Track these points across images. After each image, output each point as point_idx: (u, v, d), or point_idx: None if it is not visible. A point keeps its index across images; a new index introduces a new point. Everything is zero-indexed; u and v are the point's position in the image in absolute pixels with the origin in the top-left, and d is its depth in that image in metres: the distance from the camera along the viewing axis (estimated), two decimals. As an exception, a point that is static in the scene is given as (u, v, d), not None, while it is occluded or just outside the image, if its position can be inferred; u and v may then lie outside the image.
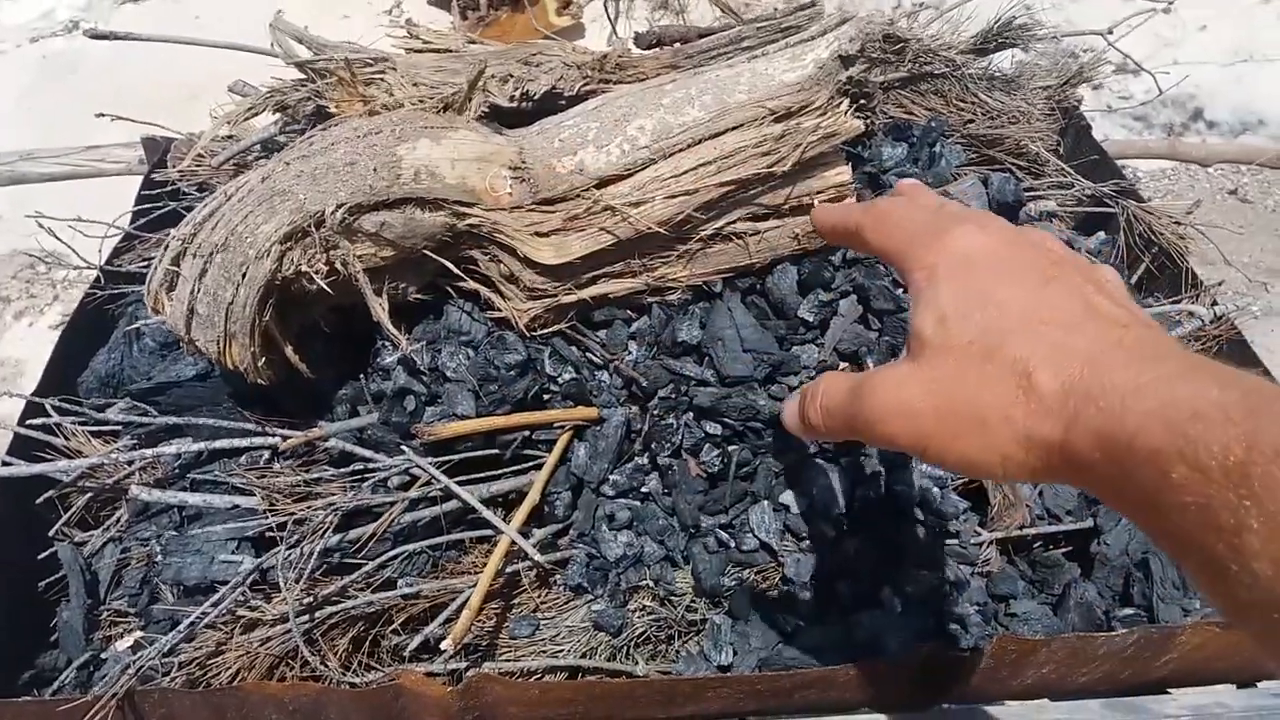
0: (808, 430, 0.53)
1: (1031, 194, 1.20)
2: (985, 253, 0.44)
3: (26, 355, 2.62)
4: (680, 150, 0.89)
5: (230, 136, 1.15)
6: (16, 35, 3.74)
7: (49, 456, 0.95)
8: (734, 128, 0.89)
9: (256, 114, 1.05)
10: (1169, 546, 0.34)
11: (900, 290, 0.96)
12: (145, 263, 1.15)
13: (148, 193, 1.23)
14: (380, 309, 0.83)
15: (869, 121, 1.08)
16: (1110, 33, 1.24)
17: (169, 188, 1.21)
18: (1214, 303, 1.10)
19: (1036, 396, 0.38)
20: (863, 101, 1.15)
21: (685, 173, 0.88)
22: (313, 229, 0.78)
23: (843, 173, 0.93)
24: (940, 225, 0.47)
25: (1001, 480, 0.41)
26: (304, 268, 0.79)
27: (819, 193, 0.92)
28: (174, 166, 1.21)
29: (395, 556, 0.86)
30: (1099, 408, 0.36)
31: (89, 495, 0.96)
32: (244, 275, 0.78)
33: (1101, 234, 1.21)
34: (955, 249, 0.45)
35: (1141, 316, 0.42)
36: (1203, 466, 0.31)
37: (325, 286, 0.80)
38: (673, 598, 0.89)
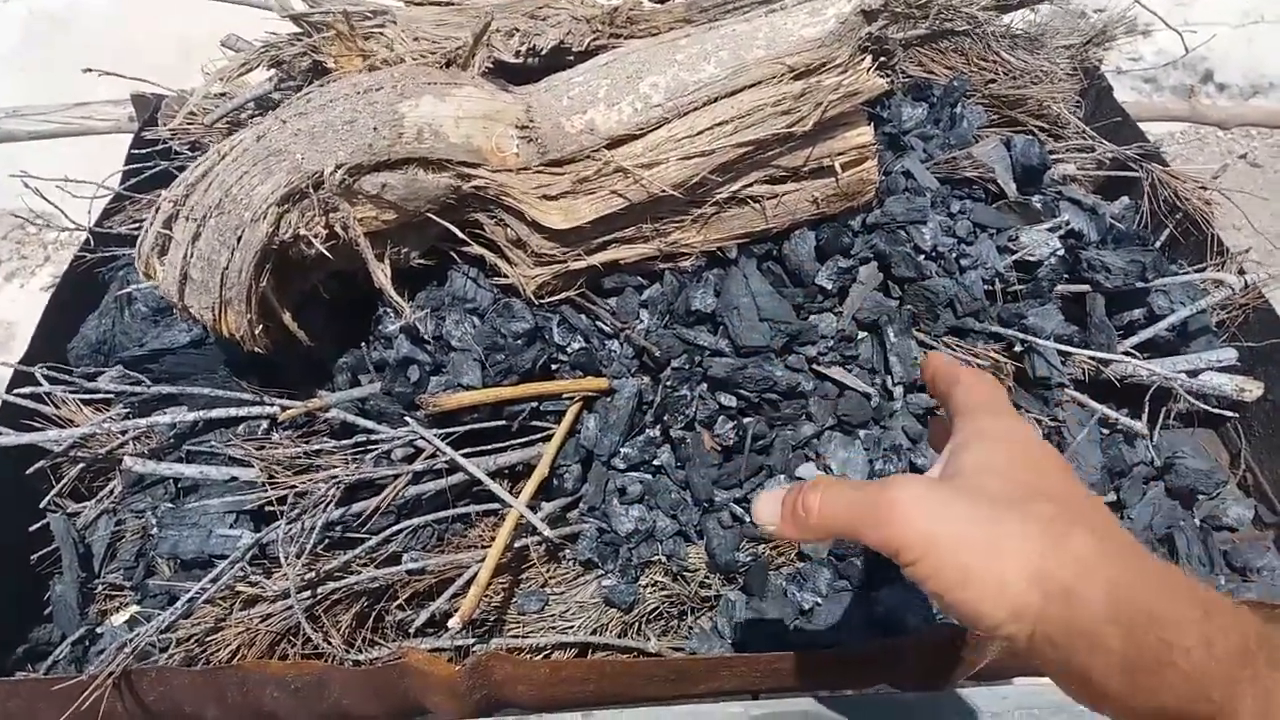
0: (789, 524, 0.50)
1: (1052, 157, 1.16)
2: (1039, 442, 0.49)
3: (18, 317, 2.58)
4: (695, 109, 0.85)
5: (223, 94, 1.11)
6: (2, -10, 3.64)
7: (39, 425, 0.92)
8: (752, 85, 0.85)
9: (250, 70, 1.00)
10: (1145, 707, 0.38)
11: (922, 257, 0.92)
12: (136, 224, 1.11)
13: (138, 151, 1.19)
14: (383, 275, 0.80)
15: (889, 80, 1.04)
16: (1139, -11, 1.19)
17: (160, 146, 1.16)
18: (1241, 271, 1.06)
19: (1067, 549, 0.40)
20: (883, 59, 1.10)
21: (700, 133, 0.84)
22: (311, 190, 0.75)
23: (865, 133, 0.89)
24: (1008, 408, 0.51)
25: (969, 611, 0.41)
26: (302, 231, 0.75)
27: (840, 154, 0.89)
28: (165, 124, 1.17)
29: (400, 531, 0.83)
30: (1127, 573, 0.39)
31: (81, 465, 0.93)
32: (239, 239, 0.74)
33: (1125, 199, 1.17)
34: (1020, 428, 0.49)
35: (1134, 541, 0.45)
36: (1210, 641, 0.36)
37: (324, 251, 0.76)
38: (686, 573, 0.86)
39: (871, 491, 0.46)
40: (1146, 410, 0.96)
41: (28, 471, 0.91)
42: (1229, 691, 0.34)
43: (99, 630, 0.86)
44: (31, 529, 0.90)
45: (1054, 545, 0.40)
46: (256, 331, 0.79)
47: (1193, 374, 0.97)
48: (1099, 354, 0.95)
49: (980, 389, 0.52)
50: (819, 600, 0.84)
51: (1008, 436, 0.48)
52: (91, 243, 1.08)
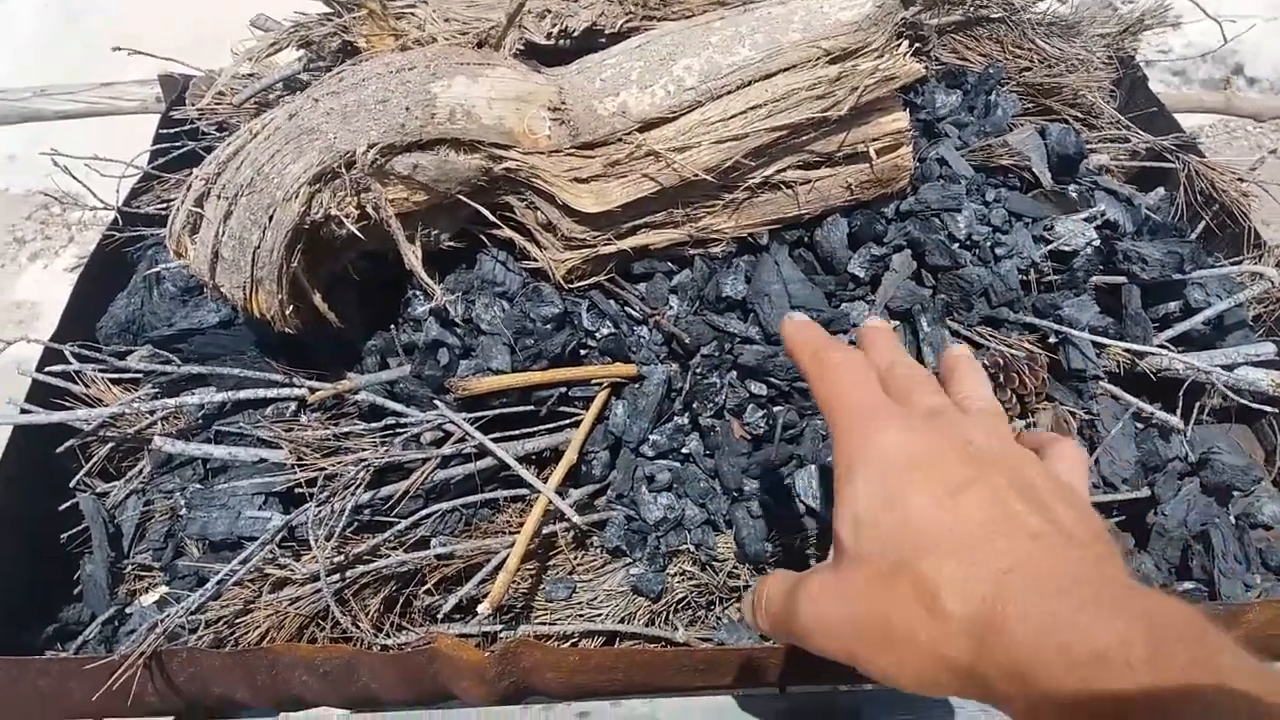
0: (765, 633, 0.52)
1: (1087, 146, 1.14)
2: (902, 454, 0.42)
3: (42, 297, 2.60)
4: (729, 92, 0.83)
5: (251, 74, 1.10)
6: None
7: (68, 404, 0.92)
8: (786, 69, 0.83)
9: (280, 50, 1.00)
10: None
11: (956, 245, 0.91)
12: (164, 204, 1.11)
13: (166, 131, 1.18)
14: (414, 256, 0.79)
15: (925, 66, 1.02)
16: (1178, -25, 1.17)
17: (188, 126, 1.16)
18: (1279, 264, 1.04)
19: (942, 620, 0.37)
20: (918, 45, 1.09)
21: (734, 116, 0.83)
22: (343, 170, 0.74)
23: (900, 119, 0.88)
24: (869, 413, 0.45)
25: (927, 695, 0.39)
26: (334, 211, 0.75)
27: (874, 140, 0.87)
28: (193, 104, 1.17)
29: (428, 515, 0.83)
30: (1004, 639, 0.34)
31: (110, 445, 0.93)
32: (271, 218, 0.73)
33: (1160, 190, 1.15)
34: (873, 449, 0.43)
35: (1062, 522, 0.39)
36: (1099, 714, 0.31)
37: (356, 231, 0.76)
38: (714, 563, 0.85)
39: (787, 605, 0.45)
40: (1181, 404, 0.94)
41: (57, 450, 0.91)
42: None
43: (128, 610, 0.86)
44: (61, 508, 0.90)
45: (933, 621, 0.37)
46: (287, 312, 0.79)
47: (1229, 368, 0.95)
48: (1134, 346, 0.93)
49: (823, 385, 0.48)
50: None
51: (870, 465, 0.42)
52: (120, 222, 1.08)
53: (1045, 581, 0.35)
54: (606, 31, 0.91)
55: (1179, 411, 0.94)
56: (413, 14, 0.89)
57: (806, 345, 0.51)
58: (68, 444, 0.91)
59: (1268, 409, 0.96)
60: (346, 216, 0.75)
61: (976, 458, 0.42)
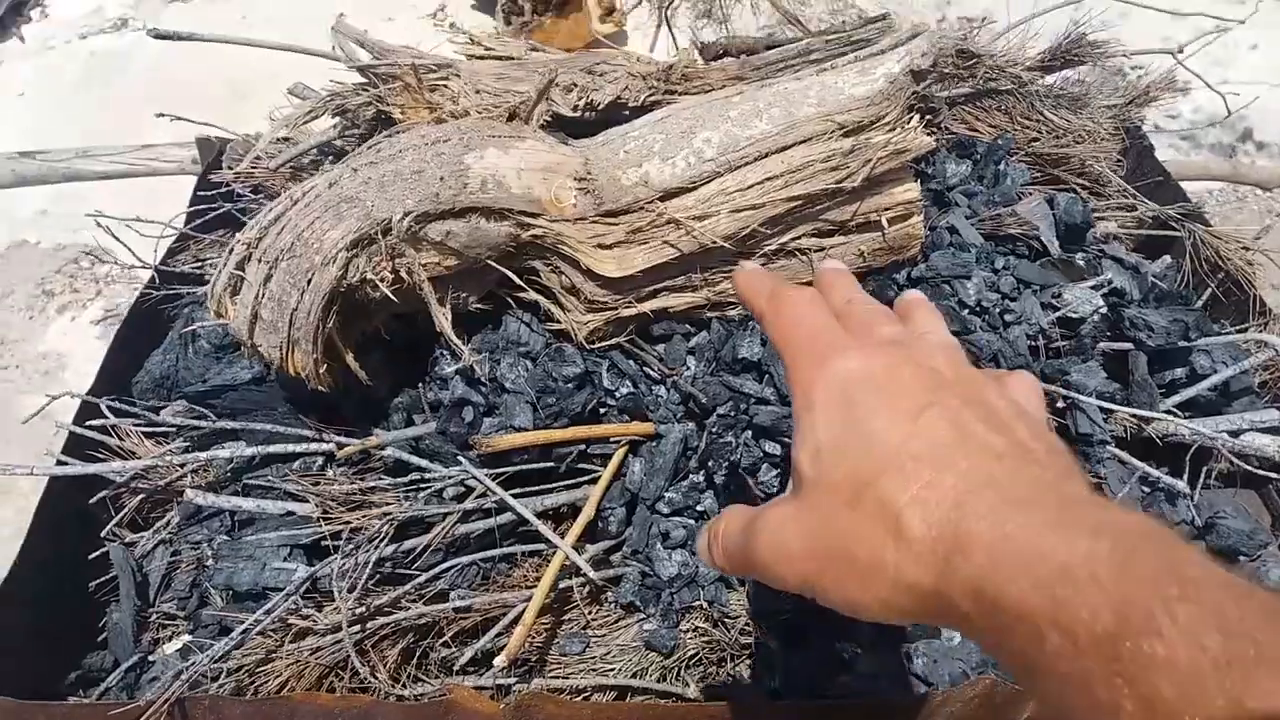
0: (719, 569, 0.51)
1: (1095, 215, 1.18)
2: (862, 379, 0.42)
3: (69, 349, 2.64)
4: (747, 164, 0.87)
5: (287, 139, 1.15)
6: (66, 31, 3.78)
7: (103, 456, 0.95)
8: (802, 142, 0.87)
9: (316, 117, 1.04)
10: (1052, 714, 0.32)
11: (966, 311, 0.94)
12: (199, 263, 1.15)
13: (203, 193, 1.23)
14: (444, 318, 0.82)
15: (936, 138, 1.06)
16: (1181, 51, 1.21)
17: (224, 189, 1.20)
18: (1285, 331, 1.06)
19: (906, 542, 0.36)
20: (928, 117, 1.13)
21: (751, 187, 0.87)
22: (379, 236, 0.78)
23: (911, 189, 0.91)
24: (827, 343, 0.44)
25: (886, 622, 0.39)
26: (369, 275, 0.78)
27: (887, 209, 0.91)
28: (230, 167, 1.21)
29: (449, 568, 0.85)
30: (967, 558, 0.34)
31: (141, 496, 0.95)
32: (309, 281, 0.77)
33: (1167, 258, 1.18)
34: (832, 376, 0.43)
35: (1023, 441, 0.39)
36: (1074, 635, 0.29)
37: (390, 294, 0.79)
38: (726, 619, 0.87)
39: (745, 534, 0.44)
40: (1188, 469, 0.96)
41: (90, 501, 0.94)
42: (1110, 698, 0.28)
43: (151, 658, 0.88)
44: (91, 557, 0.93)
45: (895, 545, 0.36)
46: (321, 370, 0.82)
47: (1235, 434, 0.97)
48: (1141, 412, 0.95)
49: (780, 321, 0.47)
50: (859, 650, 0.84)
51: (828, 393, 0.42)
52: (156, 280, 1.12)
53: (1008, 500, 0.35)
54: (630, 105, 0.95)
55: (1185, 476, 0.95)
56: (446, 86, 0.94)
57: (761, 289, 0.50)
58: (100, 495, 0.94)
59: (1274, 475, 0.98)
60: (381, 280, 0.79)
61: (936, 381, 0.42)
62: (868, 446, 0.39)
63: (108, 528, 0.94)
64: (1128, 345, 1.00)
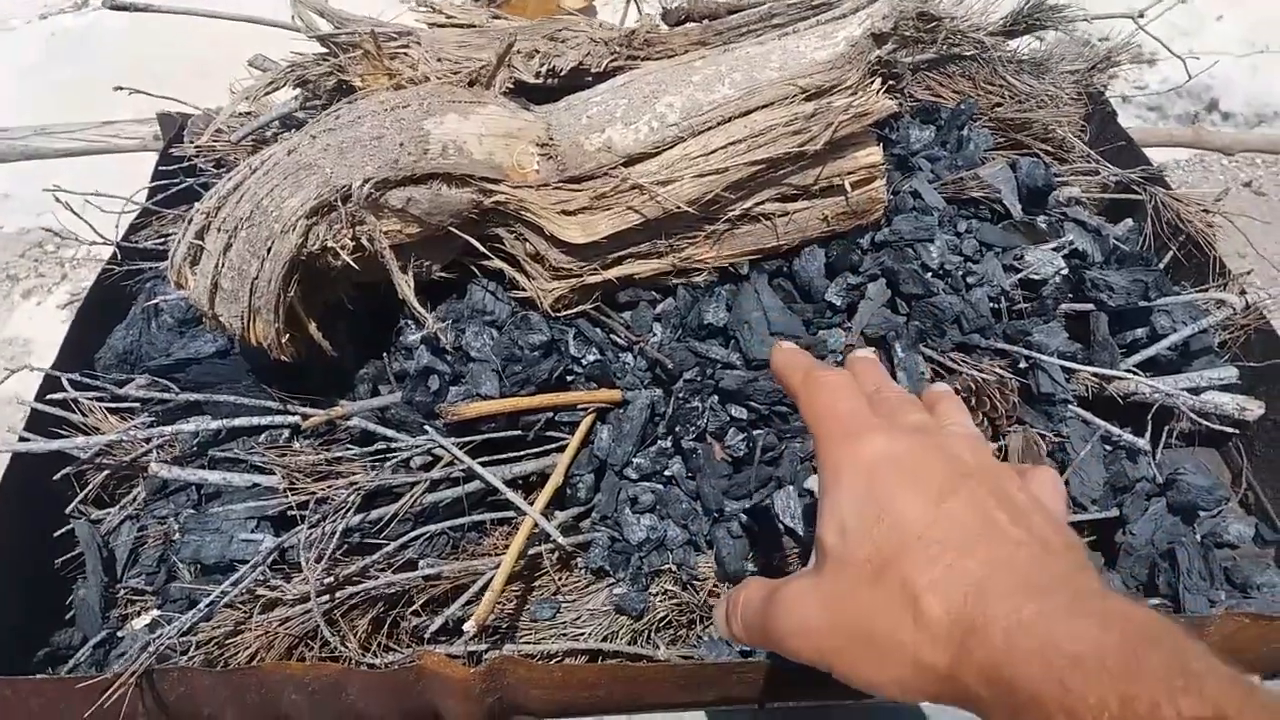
0: (736, 640, 0.52)
1: (1057, 179, 1.19)
2: (890, 461, 0.44)
3: (35, 334, 2.61)
4: (710, 128, 0.87)
5: (249, 112, 1.14)
6: (26, 11, 3.71)
7: (66, 433, 0.94)
8: (764, 106, 0.87)
9: (277, 89, 1.03)
10: None
11: (929, 274, 0.94)
12: (162, 239, 1.14)
13: (165, 168, 1.21)
14: (406, 287, 0.82)
15: (898, 102, 1.06)
16: (1141, 16, 1.22)
17: (186, 163, 1.19)
18: (1243, 291, 1.08)
19: (925, 623, 0.38)
20: (891, 82, 1.13)
21: (714, 151, 0.87)
22: (339, 203, 0.77)
23: (874, 153, 0.92)
24: (858, 425, 0.46)
25: (903, 701, 0.40)
26: (330, 243, 0.78)
27: (850, 173, 0.91)
28: (191, 142, 1.20)
29: (417, 537, 0.85)
30: (983, 641, 0.35)
31: (106, 472, 0.95)
32: (269, 250, 0.76)
33: (1129, 221, 1.19)
34: (862, 455, 0.44)
35: (1041, 533, 0.41)
36: (1077, 716, 0.31)
37: (351, 262, 0.79)
38: (695, 582, 0.88)
39: (764, 612, 0.46)
40: (1149, 428, 0.97)
41: (54, 478, 0.93)
42: None
43: (120, 634, 0.88)
44: (56, 534, 0.92)
45: (914, 627, 0.38)
46: (283, 340, 0.81)
47: (1195, 392, 0.98)
48: (1102, 371, 0.96)
49: (815, 401, 0.49)
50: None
51: (856, 473, 0.44)
52: (119, 257, 1.11)
53: (1024, 587, 0.36)
54: (592, 70, 0.95)
55: (1147, 434, 0.97)
56: (406, 54, 0.93)
57: (797, 368, 0.53)
58: (64, 471, 0.93)
59: (1233, 431, 1.00)
60: (342, 248, 0.78)
61: (961, 469, 0.44)
62: (892, 526, 0.41)
63: (73, 504, 0.93)
64: (1089, 306, 1.01)
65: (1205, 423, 0.97)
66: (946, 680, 0.37)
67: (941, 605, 0.37)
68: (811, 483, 0.88)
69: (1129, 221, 1.19)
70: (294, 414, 0.89)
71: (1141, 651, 0.32)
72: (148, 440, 0.93)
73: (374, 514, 0.85)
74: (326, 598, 0.82)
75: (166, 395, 0.93)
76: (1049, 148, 1.23)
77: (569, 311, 0.92)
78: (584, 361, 0.91)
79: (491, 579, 0.80)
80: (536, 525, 0.82)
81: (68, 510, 0.93)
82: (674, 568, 0.87)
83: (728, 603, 0.52)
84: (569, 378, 0.92)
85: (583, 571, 0.90)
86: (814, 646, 0.43)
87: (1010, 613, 0.35)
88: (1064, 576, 0.38)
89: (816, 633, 0.43)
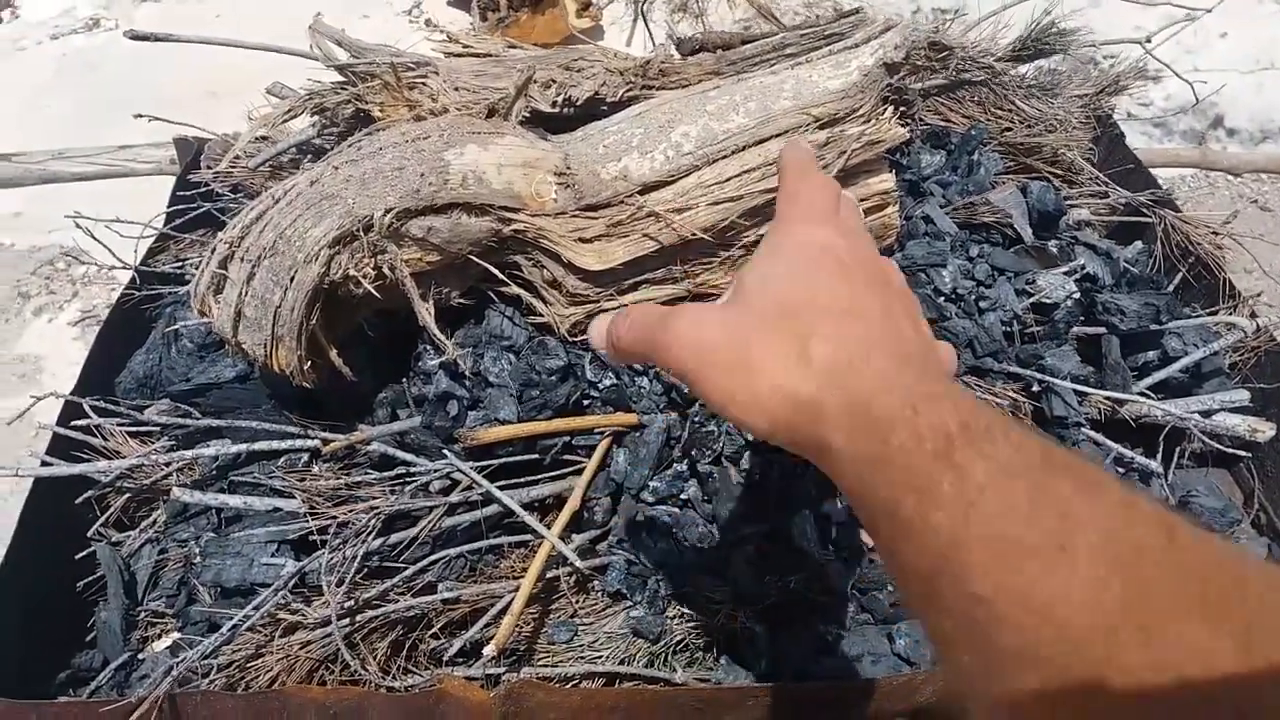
0: (610, 346, 0.54)
1: (1067, 203, 1.20)
2: (832, 248, 0.47)
3: (46, 351, 2.62)
4: (724, 157, 0.88)
5: (266, 138, 1.15)
6: (37, 32, 3.75)
7: (87, 457, 0.95)
8: (778, 134, 0.88)
9: (295, 116, 1.05)
10: (871, 504, 0.38)
11: (942, 299, 0.95)
12: (180, 263, 1.15)
13: (182, 193, 1.23)
14: (426, 314, 0.83)
15: (910, 129, 1.08)
16: (1149, 40, 1.23)
17: (203, 188, 1.21)
18: (1253, 314, 1.09)
19: (806, 359, 0.41)
20: (902, 109, 1.14)
21: (729, 179, 0.88)
22: (361, 233, 0.78)
23: (886, 180, 0.93)
24: (821, 214, 0.50)
25: (747, 428, 0.44)
26: (352, 271, 0.79)
27: (863, 200, 0.92)
28: (208, 167, 1.21)
29: (435, 561, 0.86)
30: (856, 377, 0.40)
31: (126, 496, 0.96)
32: (292, 279, 0.77)
33: (1139, 243, 1.20)
34: (814, 237, 0.48)
35: (930, 344, 0.47)
36: (919, 434, 0.36)
37: (372, 290, 0.80)
38: (711, 605, 0.88)
39: (662, 318, 0.48)
40: (1161, 450, 0.98)
41: (76, 501, 0.94)
42: (931, 479, 0.35)
43: (140, 657, 0.89)
44: (78, 557, 0.93)
45: (796, 360, 0.41)
46: (305, 367, 0.82)
47: (1206, 414, 0.99)
48: (1114, 394, 0.97)
49: (803, 195, 0.51)
50: (842, 633, 0.86)
51: (799, 247, 0.47)
52: (138, 281, 1.12)
53: (904, 359, 0.41)
54: (608, 100, 0.96)
55: (1159, 456, 0.98)
56: (425, 84, 0.94)
57: (797, 162, 0.55)
58: (86, 495, 0.94)
59: (1244, 454, 1.00)
60: (364, 277, 0.79)
61: (889, 283, 0.48)
62: (810, 291, 0.45)
63: (94, 527, 0.94)
64: (1101, 329, 1.02)
65: (1217, 444, 0.98)
66: (804, 406, 0.40)
67: (829, 352, 0.41)
68: (828, 507, 0.89)
69: (1139, 244, 1.20)
70: (314, 439, 0.90)
71: (983, 405, 0.37)
72: (168, 464, 0.94)
73: (394, 538, 0.86)
74: (347, 621, 0.82)
75: (187, 420, 0.94)
76: (1058, 171, 1.25)
77: (585, 337, 0.93)
78: (600, 386, 0.92)
79: (510, 602, 0.81)
80: (554, 548, 0.83)
81: (89, 533, 0.94)
82: (691, 591, 0.88)
83: (615, 315, 0.54)
84: (585, 402, 0.93)
85: (600, 594, 0.90)
86: (693, 357, 0.45)
87: (887, 369, 0.40)
88: (940, 375, 0.44)
89: (702, 347, 0.45)
